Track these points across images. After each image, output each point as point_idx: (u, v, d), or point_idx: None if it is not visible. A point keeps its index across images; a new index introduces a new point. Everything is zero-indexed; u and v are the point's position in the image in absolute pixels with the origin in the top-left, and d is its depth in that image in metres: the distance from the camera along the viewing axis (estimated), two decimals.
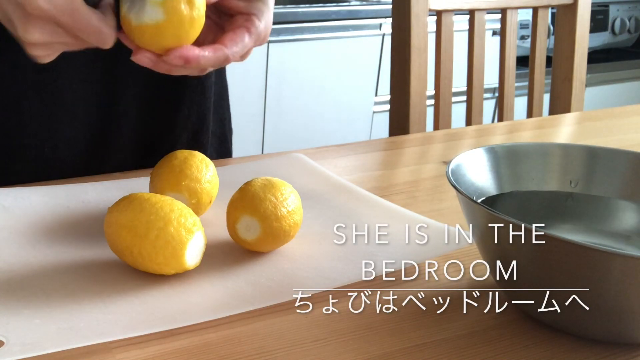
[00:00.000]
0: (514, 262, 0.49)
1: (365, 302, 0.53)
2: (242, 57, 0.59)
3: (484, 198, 0.58)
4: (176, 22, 0.53)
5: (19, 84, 0.70)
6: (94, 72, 0.72)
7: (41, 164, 0.73)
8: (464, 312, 0.53)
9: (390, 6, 1.13)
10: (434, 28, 1.16)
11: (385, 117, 1.40)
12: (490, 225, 0.50)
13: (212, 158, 0.84)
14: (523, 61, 1.48)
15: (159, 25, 0.53)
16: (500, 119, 1.26)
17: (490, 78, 1.46)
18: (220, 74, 0.86)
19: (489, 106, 2.35)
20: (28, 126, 0.71)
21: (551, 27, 1.88)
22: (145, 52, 0.54)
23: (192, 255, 0.52)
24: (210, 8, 0.58)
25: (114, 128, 0.76)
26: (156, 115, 0.78)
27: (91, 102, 0.73)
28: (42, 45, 0.52)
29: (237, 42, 0.57)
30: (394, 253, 0.59)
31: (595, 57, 2.58)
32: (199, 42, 0.57)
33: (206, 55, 0.55)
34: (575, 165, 0.61)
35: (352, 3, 2.04)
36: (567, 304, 0.48)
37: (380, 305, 0.53)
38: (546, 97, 1.31)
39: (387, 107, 1.40)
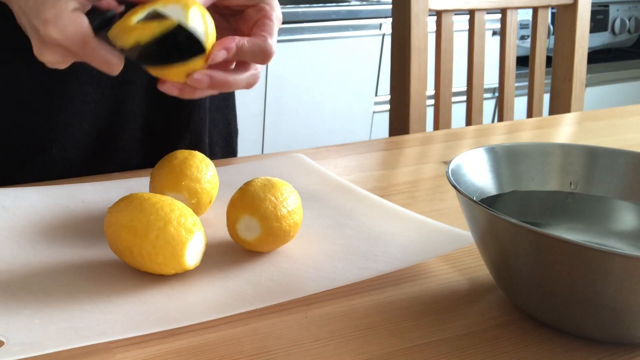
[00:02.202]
0: (514, 262, 0.50)
1: (365, 302, 0.53)
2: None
3: (484, 198, 0.58)
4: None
5: (30, 86, 0.71)
6: (105, 75, 0.73)
7: (48, 164, 0.73)
8: (464, 312, 0.53)
9: (390, 6, 1.13)
10: (434, 28, 1.16)
11: (385, 117, 1.40)
12: (490, 225, 0.50)
13: (217, 158, 0.84)
14: (523, 61, 1.48)
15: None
16: (500, 119, 1.26)
17: (490, 78, 1.46)
18: None
19: (489, 106, 2.35)
20: (37, 127, 0.72)
21: (551, 27, 1.89)
22: (170, 82, 0.54)
23: (192, 255, 0.52)
24: (210, 11, 0.58)
25: (121, 128, 0.76)
26: (161, 115, 0.78)
27: (99, 104, 0.74)
28: (55, 63, 0.54)
29: (268, 31, 0.56)
30: (394, 253, 0.59)
31: (595, 57, 2.58)
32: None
33: (245, 43, 0.54)
34: (575, 165, 0.61)
35: (352, 3, 2.04)
36: (567, 304, 0.48)
37: (380, 305, 0.53)
38: (546, 97, 1.31)
39: (387, 107, 1.40)
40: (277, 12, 0.58)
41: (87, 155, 0.75)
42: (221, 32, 0.60)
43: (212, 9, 0.58)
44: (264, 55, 0.55)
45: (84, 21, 0.51)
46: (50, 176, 0.73)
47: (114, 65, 0.53)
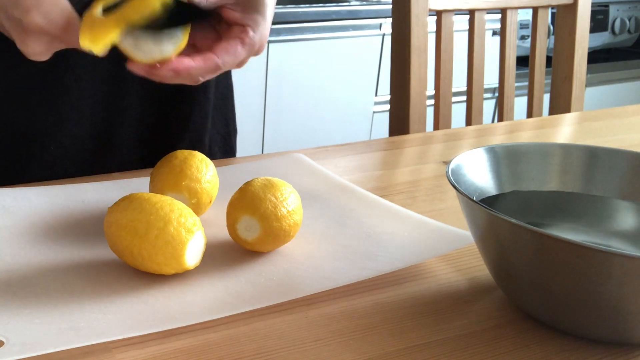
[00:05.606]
0: (514, 262, 0.50)
1: (365, 302, 0.53)
2: (238, 65, 0.59)
3: (484, 198, 0.58)
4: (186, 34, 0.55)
5: (26, 81, 0.71)
6: (100, 70, 0.73)
7: (46, 161, 0.73)
8: (464, 312, 0.53)
9: (390, 6, 1.13)
10: (434, 28, 1.16)
11: (385, 117, 1.40)
12: (490, 225, 0.50)
13: (216, 157, 0.84)
14: (523, 61, 1.48)
15: (181, 46, 0.55)
16: (500, 119, 1.26)
17: (490, 78, 1.46)
18: (225, 74, 0.86)
19: (489, 106, 2.35)
20: (34, 123, 0.72)
21: (551, 27, 1.89)
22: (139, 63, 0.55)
23: (192, 255, 0.52)
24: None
25: (119, 126, 0.76)
26: (160, 113, 0.78)
27: (97, 100, 0.74)
28: (40, 53, 0.54)
29: (229, 52, 0.58)
30: (394, 253, 0.59)
31: (595, 57, 2.58)
32: (196, 47, 0.58)
33: (195, 65, 0.56)
34: (575, 165, 0.61)
35: (352, 3, 2.04)
36: (567, 304, 0.48)
37: (380, 305, 0.53)
38: (546, 97, 1.31)
39: (387, 107, 1.40)
40: (257, 39, 0.59)
41: (86, 153, 0.75)
42: (207, 32, 0.60)
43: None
44: (211, 74, 0.58)
45: (66, 4, 0.51)
46: (50, 176, 0.73)
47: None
